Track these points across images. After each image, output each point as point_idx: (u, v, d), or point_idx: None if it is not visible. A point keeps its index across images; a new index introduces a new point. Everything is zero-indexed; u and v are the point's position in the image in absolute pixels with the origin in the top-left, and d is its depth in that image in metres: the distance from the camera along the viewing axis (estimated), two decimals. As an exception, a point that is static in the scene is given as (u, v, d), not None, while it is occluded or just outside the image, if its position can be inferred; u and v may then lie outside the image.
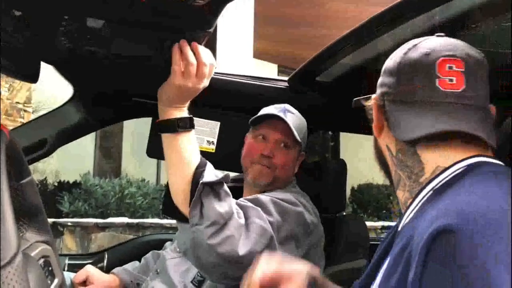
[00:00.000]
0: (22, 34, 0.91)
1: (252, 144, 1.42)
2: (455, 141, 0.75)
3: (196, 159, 1.15)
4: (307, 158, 1.56)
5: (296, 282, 0.77)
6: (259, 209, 1.19)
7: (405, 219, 0.76)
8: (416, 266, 0.60)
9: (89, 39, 0.93)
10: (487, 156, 0.75)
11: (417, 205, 0.74)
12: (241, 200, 1.23)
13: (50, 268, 0.60)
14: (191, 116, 1.16)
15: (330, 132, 2.26)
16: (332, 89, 1.63)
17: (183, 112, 1.15)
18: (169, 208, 1.22)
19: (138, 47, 1.01)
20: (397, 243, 0.71)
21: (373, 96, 0.86)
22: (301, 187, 1.45)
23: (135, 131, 6.60)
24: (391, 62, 0.83)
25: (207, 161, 1.17)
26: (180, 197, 1.14)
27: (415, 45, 0.81)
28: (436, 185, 0.73)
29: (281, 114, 1.37)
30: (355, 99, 0.95)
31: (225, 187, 1.14)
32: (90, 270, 1.49)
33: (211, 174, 1.13)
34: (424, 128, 0.74)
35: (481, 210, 0.59)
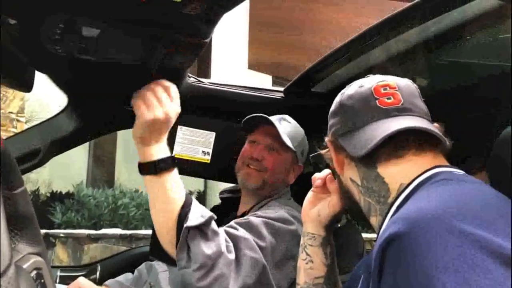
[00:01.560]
0: (16, 43, 0.90)
1: (245, 148, 1.45)
2: (409, 153, 0.78)
3: (180, 198, 1.10)
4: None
5: None
6: (250, 238, 1.17)
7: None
8: (373, 276, 0.62)
9: (84, 48, 0.93)
10: (443, 166, 0.77)
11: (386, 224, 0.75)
12: (231, 226, 1.20)
13: (42, 281, 0.59)
14: (172, 155, 1.11)
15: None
16: (328, 100, 1.63)
17: (162, 149, 1.10)
18: (156, 250, 1.19)
19: (133, 56, 1.00)
20: (367, 262, 0.74)
21: (326, 139, 0.92)
22: (297, 199, 1.44)
23: (128, 140, 6.58)
24: (333, 107, 0.91)
25: (192, 199, 1.13)
26: (166, 238, 1.10)
27: (349, 86, 0.90)
28: (401, 201, 0.75)
29: (274, 120, 1.38)
30: (311, 155, 1.03)
31: (213, 225, 1.10)
32: (82, 282, 1.47)
33: (197, 214, 1.09)
34: (374, 139, 0.78)
35: (424, 214, 0.60)
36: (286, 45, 6.70)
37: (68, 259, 4.63)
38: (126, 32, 0.91)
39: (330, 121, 0.91)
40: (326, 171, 1.03)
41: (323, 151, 0.96)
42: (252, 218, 1.25)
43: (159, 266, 1.42)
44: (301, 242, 1.04)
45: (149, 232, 4.99)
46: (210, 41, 1.06)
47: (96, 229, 4.99)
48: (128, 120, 1.70)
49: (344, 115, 0.86)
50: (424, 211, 0.61)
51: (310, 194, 1.06)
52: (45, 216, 5.06)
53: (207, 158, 1.59)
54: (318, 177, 1.04)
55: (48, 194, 5.82)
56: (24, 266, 0.54)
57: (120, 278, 1.57)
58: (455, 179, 0.71)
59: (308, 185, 1.08)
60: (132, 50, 0.98)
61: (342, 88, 1.63)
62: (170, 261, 1.14)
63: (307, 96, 1.63)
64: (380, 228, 0.77)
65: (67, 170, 6.33)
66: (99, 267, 1.76)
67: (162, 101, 1.07)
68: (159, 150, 1.09)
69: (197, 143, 1.58)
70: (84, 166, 6.85)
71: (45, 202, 5.56)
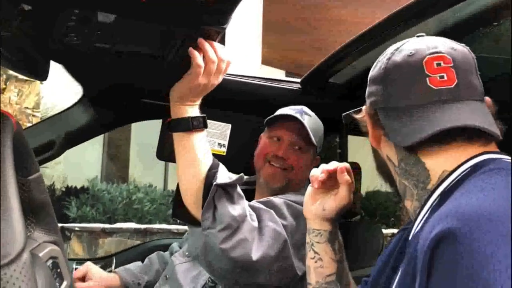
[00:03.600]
0: (31, 30, 0.89)
1: (266, 144, 1.39)
2: (457, 141, 0.72)
3: (209, 159, 1.10)
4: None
5: None
6: (273, 212, 1.16)
7: (415, 228, 0.72)
8: (421, 274, 0.57)
9: (99, 35, 0.91)
10: (492, 152, 0.71)
11: (426, 212, 0.71)
12: (253, 202, 1.19)
13: (58, 270, 0.57)
14: (204, 115, 1.12)
15: (337, 139, 2.23)
16: (345, 91, 1.60)
17: (196, 110, 1.11)
18: (179, 211, 1.18)
19: (150, 44, 0.98)
20: (407, 253, 0.69)
21: (363, 107, 0.84)
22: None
23: (142, 136, 6.61)
24: (375, 70, 0.81)
25: (220, 162, 1.13)
26: (191, 199, 1.10)
27: (397, 48, 0.79)
28: (443, 189, 0.70)
29: (297, 115, 1.34)
30: (344, 114, 0.93)
31: (239, 189, 1.10)
32: (90, 267, 1.48)
33: (225, 175, 1.10)
34: (423, 131, 0.71)
35: (482, 211, 0.56)
36: (299, 45, 6.68)
37: (83, 253, 4.67)
38: (143, 22, 0.89)
39: (370, 88, 0.81)
40: (332, 164, 0.97)
41: (358, 116, 0.87)
42: (273, 198, 1.24)
43: (176, 259, 1.41)
44: (307, 240, 0.99)
45: (163, 226, 5.02)
46: (223, 37, 1.04)
47: (110, 223, 5.03)
48: (143, 112, 1.70)
49: (388, 87, 0.76)
50: (480, 208, 0.57)
51: (310, 190, 1.00)
52: (60, 210, 5.11)
53: (223, 151, 1.57)
54: (322, 170, 0.97)
55: (63, 189, 5.87)
56: (40, 255, 0.53)
57: (130, 265, 1.57)
58: (505, 168, 0.66)
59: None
60: (148, 40, 0.96)
61: (360, 79, 1.62)
62: (193, 222, 1.12)
63: (324, 87, 1.60)
64: (417, 214, 0.73)
65: (82, 166, 6.39)
66: (114, 259, 1.76)
67: (218, 72, 1.06)
68: (193, 110, 1.11)
69: (213, 135, 1.56)
70: (98, 162, 6.91)
71: (60, 197, 5.61)
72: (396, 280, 0.70)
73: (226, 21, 0.94)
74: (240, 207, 1.08)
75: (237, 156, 1.57)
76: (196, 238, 1.16)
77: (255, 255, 1.05)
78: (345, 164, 0.97)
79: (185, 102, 1.10)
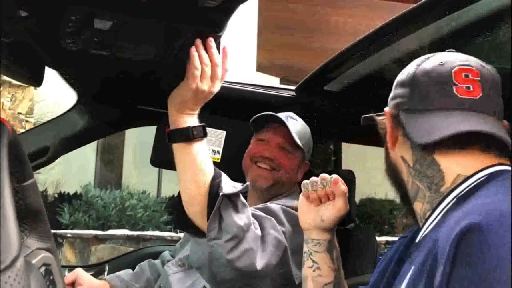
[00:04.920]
0: (27, 36, 0.88)
1: (252, 147, 1.42)
2: (473, 148, 0.74)
3: (210, 169, 1.09)
4: (311, 168, 1.53)
5: None
6: (273, 219, 1.16)
7: (425, 230, 0.73)
8: (444, 267, 0.58)
9: (96, 42, 0.91)
10: (506, 165, 0.73)
11: (438, 214, 0.72)
12: (251, 209, 1.19)
13: (51, 277, 0.57)
14: (204, 124, 1.11)
15: (331, 146, 2.23)
16: (340, 99, 1.61)
17: (195, 119, 1.10)
18: (182, 221, 1.16)
19: (146, 50, 0.98)
20: (419, 253, 0.69)
21: (386, 109, 0.85)
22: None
23: (137, 142, 6.59)
24: (404, 74, 0.83)
25: (221, 171, 1.12)
26: (195, 209, 1.08)
27: (428, 57, 0.82)
28: (459, 193, 0.71)
29: (282, 118, 1.36)
30: (364, 116, 0.94)
31: (242, 198, 1.09)
32: (79, 273, 1.47)
33: (228, 185, 1.09)
34: (443, 130, 0.73)
35: (507, 209, 0.58)
36: (297, 48, 6.70)
37: (76, 260, 4.63)
38: (141, 27, 0.89)
39: (396, 91, 0.83)
40: (324, 177, 0.97)
41: (378, 117, 0.88)
42: (270, 204, 1.24)
43: (169, 269, 1.40)
44: (305, 249, 0.99)
45: (156, 233, 4.99)
46: (218, 46, 1.05)
47: (103, 230, 5.00)
48: (138, 119, 1.70)
49: (415, 90, 0.79)
50: (506, 206, 0.58)
51: (304, 201, 1.00)
52: (52, 217, 5.07)
53: (217, 157, 1.57)
54: (313, 188, 0.97)
55: (56, 195, 5.84)
56: (33, 262, 0.52)
57: (120, 273, 1.56)
58: None
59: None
60: (146, 45, 0.96)
61: (356, 87, 1.63)
62: (197, 233, 1.11)
63: (319, 94, 1.61)
64: (427, 217, 0.74)
65: (75, 171, 6.36)
66: (107, 266, 1.75)
67: (215, 77, 1.05)
68: (192, 119, 1.10)
69: (208, 142, 1.56)
70: (92, 168, 6.88)
71: (52, 203, 5.58)
72: (405, 282, 0.70)
73: (223, 26, 0.95)
74: (245, 216, 1.07)
75: (232, 162, 1.57)
76: (199, 248, 1.15)
77: (260, 264, 1.05)
78: (336, 176, 0.98)
79: (184, 111, 1.09)
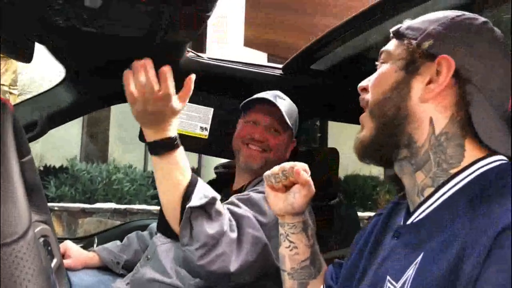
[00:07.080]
0: (17, 13, 0.89)
1: (243, 128, 1.43)
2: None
3: (185, 178, 1.10)
4: (298, 146, 1.56)
5: None
6: (251, 216, 1.18)
7: (425, 209, 0.71)
8: (476, 260, 0.56)
9: (86, 19, 0.92)
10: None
11: (442, 194, 0.69)
12: (232, 203, 1.22)
13: (49, 248, 0.60)
14: (175, 135, 1.08)
15: (317, 123, 2.25)
16: (327, 78, 1.64)
17: (167, 132, 1.08)
18: (162, 226, 1.21)
19: (136, 26, 0.99)
20: (424, 235, 0.67)
21: (447, 57, 0.70)
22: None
23: (122, 116, 6.55)
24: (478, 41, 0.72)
25: (198, 178, 1.13)
26: (171, 216, 1.12)
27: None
28: (467, 180, 0.68)
29: (271, 99, 1.38)
30: (395, 29, 0.80)
31: (216, 205, 1.11)
32: (68, 245, 1.51)
33: (200, 194, 1.10)
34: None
35: None
36: (284, 25, 6.65)
37: (63, 233, 4.66)
38: (129, 5, 0.90)
39: (471, 57, 0.71)
40: (287, 164, 0.94)
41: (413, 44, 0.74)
42: (252, 194, 1.26)
43: (157, 240, 1.44)
44: (281, 231, 0.99)
45: (143, 207, 5.02)
46: (206, 25, 1.04)
47: (90, 203, 5.01)
48: (124, 94, 1.69)
49: (497, 70, 0.70)
50: None
51: (270, 192, 0.98)
52: (38, 190, 5.05)
53: (205, 134, 1.60)
54: (279, 172, 0.95)
55: (41, 168, 5.81)
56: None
57: (108, 244, 1.59)
58: None
59: (298, 160, 1.02)
60: (135, 23, 0.97)
61: (342, 67, 1.64)
62: (175, 237, 1.16)
63: (306, 73, 1.63)
64: (423, 194, 0.71)
65: (59, 145, 6.31)
66: (96, 239, 1.78)
67: (157, 97, 1.01)
68: (163, 131, 1.08)
69: (195, 119, 1.58)
70: (76, 142, 6.83)
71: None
72: (415, 268, 0.66)
73: (210, 7, 0.95)
74: (217, 224, 1.09)
75: (219, 139, 1.59)
76: (179, 250, 1.21)
77: (233, 266, 1.10)
78: (297, 164, 0.95)
79: (151, 128, 1.07)
